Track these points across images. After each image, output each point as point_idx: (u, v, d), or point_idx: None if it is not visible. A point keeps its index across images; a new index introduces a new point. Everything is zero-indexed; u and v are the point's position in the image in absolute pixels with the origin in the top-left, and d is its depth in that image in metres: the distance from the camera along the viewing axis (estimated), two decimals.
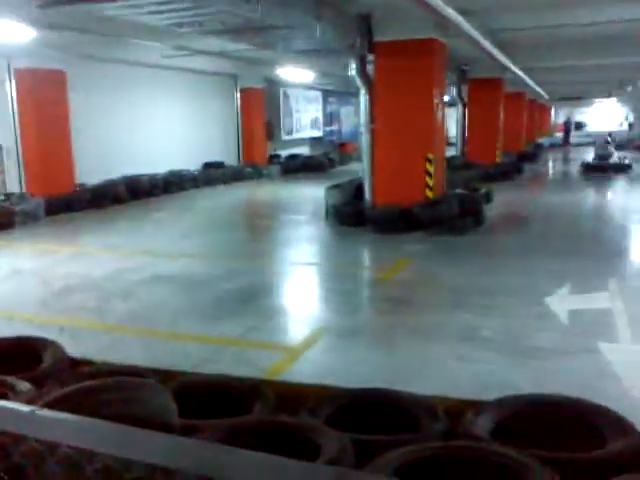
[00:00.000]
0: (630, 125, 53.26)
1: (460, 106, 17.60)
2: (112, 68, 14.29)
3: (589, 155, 23.05)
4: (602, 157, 20.63)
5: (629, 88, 27.90)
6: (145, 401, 2.10)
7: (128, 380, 2.28)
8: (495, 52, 12.30)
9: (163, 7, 8.01)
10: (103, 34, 11.24)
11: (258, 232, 11.26)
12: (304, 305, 6.31)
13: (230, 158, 19.68)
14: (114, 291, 6.56)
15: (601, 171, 18.55)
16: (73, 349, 3.54)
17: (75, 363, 3.25)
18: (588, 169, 19.14)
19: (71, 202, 12.25)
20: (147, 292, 6.52)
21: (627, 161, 19.71)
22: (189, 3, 7.61)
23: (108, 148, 14.36)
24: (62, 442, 1.23)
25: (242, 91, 19.96)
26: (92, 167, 13.50)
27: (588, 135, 43.50)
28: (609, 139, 28.39)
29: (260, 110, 20.60)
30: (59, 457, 1.21)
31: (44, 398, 2.19)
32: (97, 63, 13.70)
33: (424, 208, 9.67)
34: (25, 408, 1.46)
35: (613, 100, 42.67)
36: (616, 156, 20.67)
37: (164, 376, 3.00)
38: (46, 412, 1.46)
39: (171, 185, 15.46)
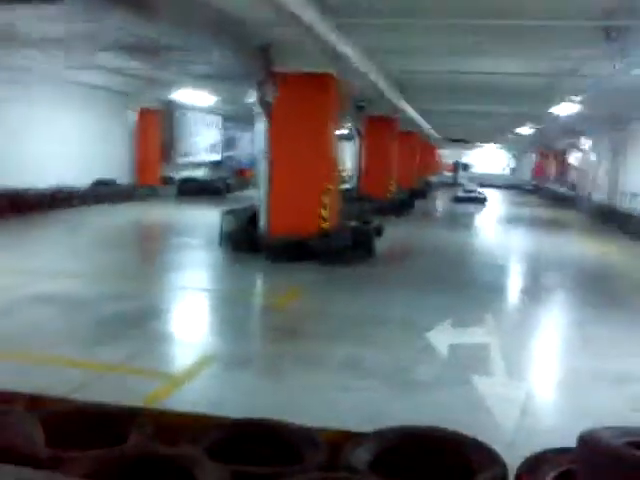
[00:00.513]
0: (512, 170, 56.99)
1: (357, 140, 18.13)
2: (1, 77, 13.52)
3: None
4: (468, 191, 27.72)
5: (510, 135, 29.89)
6: (7, 430, 1.97)
7: None
8: (389, 92, 12.80)
9: (55, 17, 7.71)
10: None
11: (148, 254, 10.95)
12: (191, 331, 6.18)
13: (123, 177, 19.10)
14: None
15: (467, 201, 25.13)
16: None
17: None
18: (457, 199, 25.83)
19: None
20: (24, 313, 6.13)
21: (483, 196, 26.55)
22: (84, 16, 7.39)
23: None
24: None
25: (139, 110, 19.50)
26: None
27: (474, 176, 46.03)
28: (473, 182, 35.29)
29: (156, 131, 20.22)
30: None
31: None
32: None
33: (318, 239, 9.79)
34: None
35: (496, 145, 45.51)
36: (477, 192, 27.46)
37: (34, 402, 2.82)
38: None
39: (59, 201, 14.76)
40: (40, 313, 6.17)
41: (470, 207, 23.28)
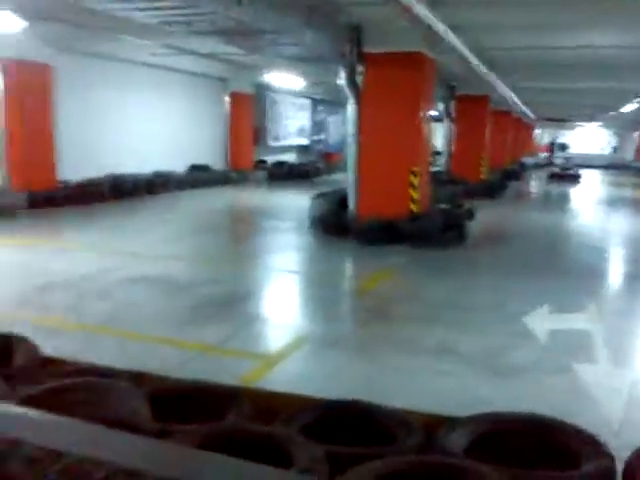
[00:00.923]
0: (614, 149, 54.06)
1: (448, 122, 17.73)
2: (101, 64, 14.20)
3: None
4: (563, 169, 29.57)
5: (612, 113, 28.31)
6: (115, 403, 2.07)
7: (98, 381, 2.24)
8: (482, 69, 12.42)
9: (153, 4, 7.95)
10: (92, 28, 11.18)
11: (241, 237, 11.22)
12: (284, 313, 6.28)
13: (217, 162, 19.63)
14: (92, 290, 6.48)
15: (561, 178, 26.58)
16: (47, 347, 3.49)
17: (48, 362, 3.20)
18: (552, 176, 26.94)
19: (53, 198, 12.12)
20: (125, 293, 6.44)
21: (577, 173, 27.82)
22: (179, 2, 7.58)
23: (94, 145, 14.25)
24: (28, 440, 1.20)
25: (231, 95, 19.93)
26: (77, 164, 13.37)
27: (571, 157, 44.08)
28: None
29: (249, 115, 20.59)
30: (23, 456, 1.18)
31: (14, 396, 2.14)
32: (86, 58, 13.62)
33: (408, 221, 9.69)
34: None
35: (596, 124, 43.27)
36: (572, 170, 29.04)
37: (138, 379, 2.96)
38: (16, 409, 1.42)
39: (156, 186, 15.37)
40: (138, 294, 6.45)
41: (565, 185, 24.12)
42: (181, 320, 5.60)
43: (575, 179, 26.50)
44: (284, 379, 4.36)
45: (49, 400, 2.02)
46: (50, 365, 3.14)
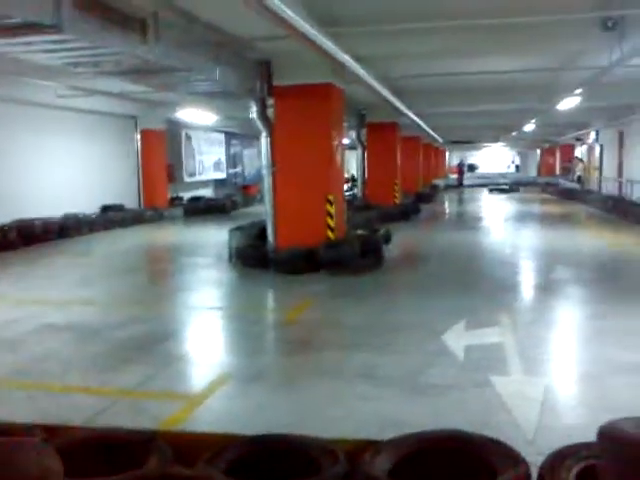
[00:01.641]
0: (517, 167, 56.82)
1: (360, 149, 18.17)
2: (4, 106, 13.68)
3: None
4: (497, 184, 36.60)
5: (514, 133, 29.84)
6: (23, 463, 1.96)
7: (3, 440, 2.12)
8: (389, 97, 12.85)
9: (57, 46, 7.77)
10: None
11: (159, 276, 10.98)
12: (205, 350, 6.17)
13: (130, 200, 19.21)
14: (0, 342, 6.15)
15: (498, 190, 33.44)
16: None
17: None
18: (491, 190, 33.93)
19: None
20: (37, 343, 6.14)
21: (508, 186, 35.20)
22: (84, 43, 7.44)
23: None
24: None
25: (142, 133, 19.65)
26: None
27: (480, 177, 46.13)
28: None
29: (161, 152, 20.34)
30: None
31: None
32: None
33: (326, 249, 9.79)
34: None
35: (501, 144, 45.44)
36: (504, 184, 36.71)
37: (51, 432, 2.82)
38: None
39: (67, 229, 14.84)
40: (52, 343, 6.17)
41: (477, 204, 27.04)
42: (97, 366, 5.39)
43: (509, 190, 33.43)
44: (208, 418, 4.27)
45: None
46: None
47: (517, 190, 33.73)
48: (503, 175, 46.51)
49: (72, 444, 2.69)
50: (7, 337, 6.33)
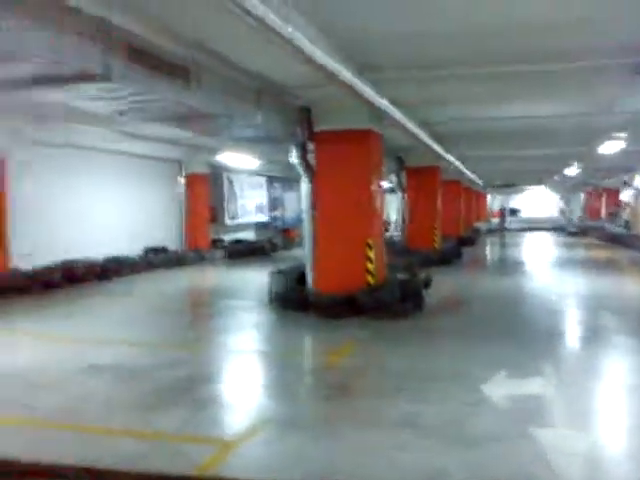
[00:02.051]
0: (562, 212, 56.01)
1: (400, 193, 18.17)
2: (54, 151, 14.21)
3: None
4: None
5: (557, 177, 29.51)
6: None
7: None
8: (428, 141, 12.89)
9: (104, 94, 8.09)
10: (43, 118, 11.25)
11: (199, 319, 11.05)
12: (244, 395, 6.14)
13: (173, 242, 19.55)
14: (44, 382, 6.24)
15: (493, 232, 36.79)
16: None
17: None
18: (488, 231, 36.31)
19: (3, 287, 11.82)
20: (80, 383, 6.23)
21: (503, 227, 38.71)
22: (130, 90, 7.73)
23: (47, 233, 14.05)
24: None
25: (187, 176, 20.10)
26: (31, 252, 13.13)
27: (521, 220, 45.61)
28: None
29: (205, 195, 20.74)
30: None
31: None
32: (39, 147, 13.63)
33: (366, 294, 9.73)
34: None
35: (543, 187, 44.94)
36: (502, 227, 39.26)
37: (95, 476, 2.83)
38: None
39: (110, 270, 15.13)
40: (94, 383, 6.25)
41: (529, 246, 28.28)
42: (139, 407, 5.42)
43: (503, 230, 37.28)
44: (245, 464, 4.23)
45: None
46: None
47: (585, 234, 32.41)
48: (546, 220, 45.84)
49: None
50: (50, 378, 6.42)
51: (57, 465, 2.98)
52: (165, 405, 5.47)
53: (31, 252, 13.13)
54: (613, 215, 35.49)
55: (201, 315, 11.38)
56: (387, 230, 24.41)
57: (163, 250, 18.48)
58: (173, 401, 5.59)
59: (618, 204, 34.84)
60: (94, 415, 5.27)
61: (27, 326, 9.38)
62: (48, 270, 13.21)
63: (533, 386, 5.79)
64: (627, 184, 30.63)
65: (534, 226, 40.14)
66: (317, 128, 10.24)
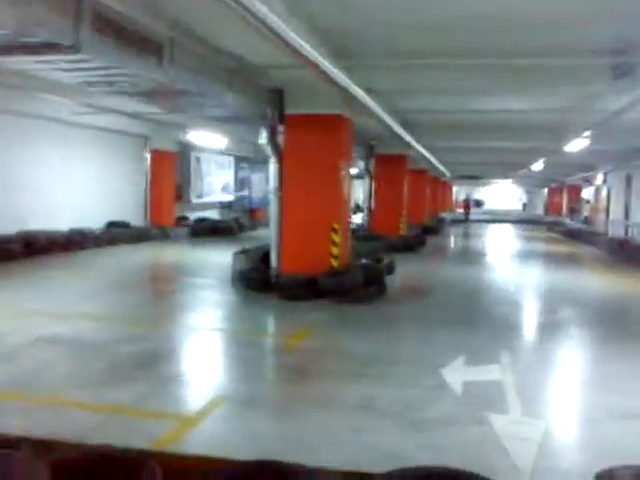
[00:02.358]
0: (524, 205, 56.86)
1: (368, 179, 18.26)
2: (16, 120, 13.86)
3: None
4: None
5: (522, 171, 29.98)
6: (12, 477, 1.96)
7: None
8: (399, 130, 12.95)
9: (73, 65, 7.90)
10: (7, 87, 10.96)
11: (161, 295, 10.98)
12: (202, 372, 6.15)
13: (136, 218, 19.30)
14: None
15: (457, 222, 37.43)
16: None
17: None
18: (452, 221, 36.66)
19: None
20: (34, 355, 6.14)
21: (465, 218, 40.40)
22: (100, 63, 7.57)
23: (6, 202, 13.72)
24: None
25: (153, 152, 19.82)
26: None
27: (486, 212, 46.27)
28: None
29: (170, 172, 20.51)
30: None
31: None
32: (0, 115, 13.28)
33: (329, 277, 9.79)
34: None
35: (508, 181, 45.63)
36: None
37: (42, 447, 2.82)
38: None
39: (72, 243, 14.90)
40: (49, 355, 6.17)
41: (492, 238, 28.83)
42: (94, 382, 5.38)
43: (465, 221, 38.74)
44: (202, 440, 4.24)
45: None
46: None
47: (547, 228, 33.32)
48: (508, 212, 46.62)
49: (62, 462, 2.67)
50: (2, 349, 6.32)
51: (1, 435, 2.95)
52: (121, 380, 5.43)
53: None
54: (574, 211, 36.28)
55: (163, 292, 11.31)
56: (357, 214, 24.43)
57: (126, 225, 18.23)
58: (131, 376, 5.56)
59: (579, 200, 35.61)
60: (47, 388, 5.21)
61: None
62: (7, 240, 12.92)
63: (490, 373, 5.93)
64: (588, 182, 31.34)
65: (498, 218, 40.85)
66: (288, 111, 10.21)
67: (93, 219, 16.80)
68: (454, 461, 2.81)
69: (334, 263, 10.18)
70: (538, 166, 24.72)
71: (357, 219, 20.43)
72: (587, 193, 33.59)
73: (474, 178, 41.94)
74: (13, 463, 2.03)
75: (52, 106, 13.10)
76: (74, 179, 16.44)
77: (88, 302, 9.16)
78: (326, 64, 6.92)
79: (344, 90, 8.21)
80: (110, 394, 5.07)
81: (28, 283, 10.58)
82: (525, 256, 19.67)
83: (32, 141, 14.63)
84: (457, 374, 5.82)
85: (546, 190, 46.97)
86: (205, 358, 6.71)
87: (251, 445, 4.09)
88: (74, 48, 5.50)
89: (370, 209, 18.64)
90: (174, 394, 5.33)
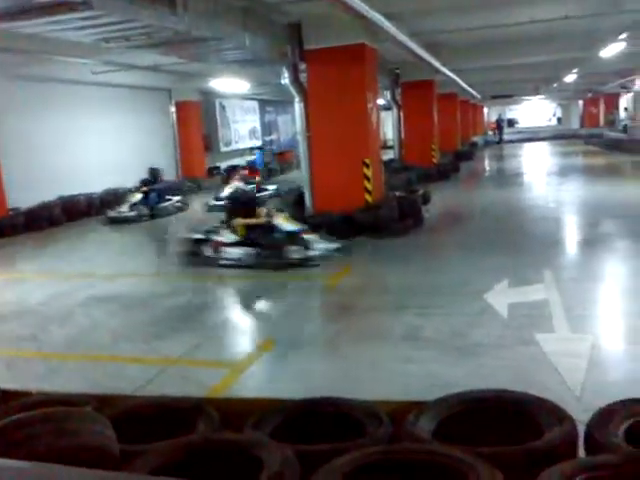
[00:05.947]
0: (559, 120, 55.14)
1: (395, 109, 17.86)
2: (41, 87, 13.89)
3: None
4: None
5: (555, 84, 28.91)
6: (77, 431, 2.03)
7: (57, 410, 2.20)
8: (424, 54, 12.54)
9: (87, 22, 7.80)
10: (27, 52, 10.92)
11: None
12: (247, 318, 6.25)
13: (168, 172, 19.37)
14: (50, 316, 6.34)
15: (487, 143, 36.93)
16: (7, 380, 3.41)
17: (7, 395, 3.12)
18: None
19: (3, 227, 11.83)
20: (85, 315, 6.32)
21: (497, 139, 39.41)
22: (113, 18, 7.46)
23: (42, 169, 13.91)
24: None
25: (177, 104, 19.73)
26: (26, 190, 13.04)
27: (519, 132, 45.10)
28: None
29: (197, 123, 20.43)
30: None
31: None
32: (25, 82, 13.31)
33: (364, 212, 9.74)
34: None
35: (541, 97, 44.11)
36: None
37: (102, 402, 2.91)
38: None
39: (109, 204, 15.09)
40: (100, 314, 6.35)
41: (528, 157, 27.92)
42: (144, 336, 5.52)
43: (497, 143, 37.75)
44: (253, 384, 4.35)
45: (6, 437, 1.98)
46: (10, 398, 3.06)
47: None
48: (543, 129, 45.28)
49: (123, 413, 2.77)
50: (55, 312, 6.52)
51: (64, 394, 3.05)
52: (170, 332, 5.56)
53: (29, 190, 13.04)
54: (611, 121, 35.04)
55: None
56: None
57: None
58: (177, 328, 5.69)
59: (617, 109, 34.34)
60: (100, 345, 5.37)
61: (30, 265, 9.45)
62: (48, 207, 13.18)
63: (535, 293, 5.87)
64: (625, 88, 30.07)
65: (532, 136, 39.72)
66: (307, 46, 9.93)
67: (127, 178, 16.93)
68: (504, 383, 2.80)
69: (368, 198, 10.10)
70: (571, 77, 23.78)
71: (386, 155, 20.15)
72: (625, 101, 32.30)
73: (505, 97, 40.63)
74: (74, 417, 2.10)
75: (72, 67, 13.03)
76: (105, 140, 16.52)
77: (131, 260, 9.34)
78: None
79: (362, 17, 7.94)
80: (160, 347, 5.20)
81: (72, 247, 10.81)
82: (563, 172, 19.17)
83: (59, 105, 14.68)
84: (501, 297, 5.79)
85: (581, 102, 45.33)
86: (248, 304, 6.81)
87: (302, 384, 4.17)
88: (86, 4, 5.43)
89: (401, 140, 18.30)
90: (221, 342, 5.46)
